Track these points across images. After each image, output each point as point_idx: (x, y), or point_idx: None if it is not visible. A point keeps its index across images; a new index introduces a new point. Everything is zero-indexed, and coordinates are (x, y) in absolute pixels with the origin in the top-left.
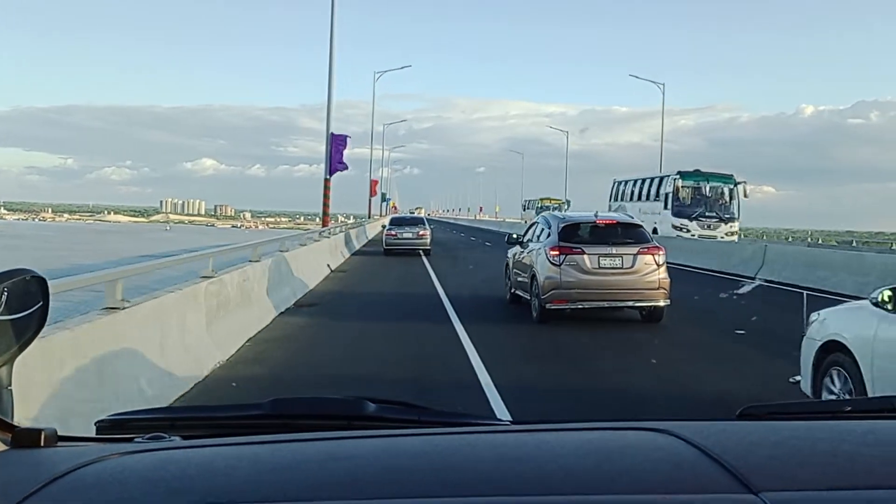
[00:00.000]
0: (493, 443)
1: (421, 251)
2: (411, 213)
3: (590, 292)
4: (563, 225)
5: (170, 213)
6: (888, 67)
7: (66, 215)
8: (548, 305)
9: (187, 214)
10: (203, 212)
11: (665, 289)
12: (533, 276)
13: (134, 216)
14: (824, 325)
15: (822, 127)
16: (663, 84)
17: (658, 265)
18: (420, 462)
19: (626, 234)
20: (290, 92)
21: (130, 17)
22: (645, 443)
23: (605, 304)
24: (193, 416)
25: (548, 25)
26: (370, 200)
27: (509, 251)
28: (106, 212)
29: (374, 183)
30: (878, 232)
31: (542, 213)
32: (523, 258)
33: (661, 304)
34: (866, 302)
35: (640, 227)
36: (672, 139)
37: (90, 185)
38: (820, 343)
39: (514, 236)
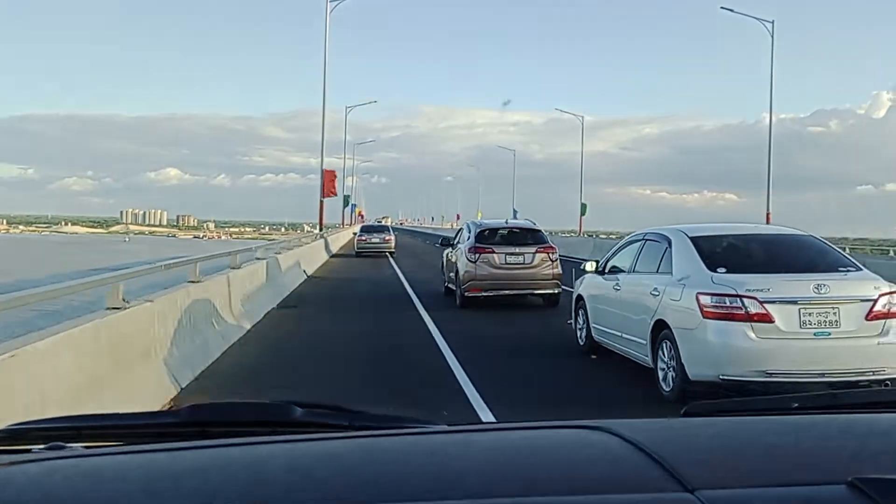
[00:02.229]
0: (424, 445)
1: (387, 253)
2: (378, 221)
3: (499, 283)
4: (479, 230)
5: (130, 223)
6: (845, 76)
7: (20, 227)
8: (466, 293)
9: (148, 225)
10: (165, 222)
11: (558, 280)
12: (456, 272)
13: (93, 227)
14: (579, 286)
15: (784, 135)
16: (772, 21)
17: (552, 261)
18: (337, 465)
19: (529, 236)
20: (256, 101)
21: (94, 25)
22: (580, 441)
23: (512, 292)
24: (100, 425)
25: (514, 33)
26: (321, 203)
27: (444, 252)
28: (63, 222)
29: (328, 174)
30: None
31: (467, 222)
32: (451, 257)
33: (556, 291)
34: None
35: (540, 231)
36: (636, 147)
37: (51, 195)
38: (575, 296)
39: (447, 239)
